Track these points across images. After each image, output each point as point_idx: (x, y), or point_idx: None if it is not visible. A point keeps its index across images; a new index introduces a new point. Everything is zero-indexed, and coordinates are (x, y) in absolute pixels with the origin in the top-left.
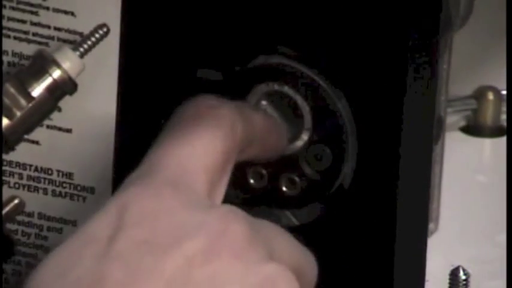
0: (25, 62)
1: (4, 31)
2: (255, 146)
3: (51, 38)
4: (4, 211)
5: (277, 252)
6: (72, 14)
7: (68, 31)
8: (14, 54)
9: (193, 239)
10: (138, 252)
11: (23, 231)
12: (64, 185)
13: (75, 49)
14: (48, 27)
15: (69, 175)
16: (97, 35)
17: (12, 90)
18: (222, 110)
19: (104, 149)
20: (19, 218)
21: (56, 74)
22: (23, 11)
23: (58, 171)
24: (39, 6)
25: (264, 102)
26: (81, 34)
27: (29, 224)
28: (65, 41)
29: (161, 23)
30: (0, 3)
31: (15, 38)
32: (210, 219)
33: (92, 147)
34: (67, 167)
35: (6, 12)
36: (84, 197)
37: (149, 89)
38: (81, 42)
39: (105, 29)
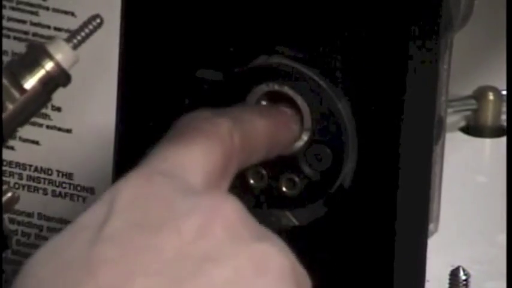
0: None
1: (4, 31)
2: (260, 150)
3: (51, 38)
4: None
5: (269, 235)
6: (72, 14)
7: (68, 31)
8: (14, 54)
9: (186, 219)
10: (130, 233)
11: (22, 231)
12: (64, 185)
13: (68, 41)
14: (48, 27)
15: (69, 175)
16: (90, 27)
17: (4, 82)
18: (218, 119)
19: (104, 149)
20: (19, 218)
21: (49, 65)
22: (23, 11)
23: (58, 171)
24: (39, 6)
25: (264, 102)
26: None
27: (29, 224)
28: None
29: (161, 23)
30: (0, 3)
31: (15, 38)
32: (202, 200)
33: (92, 147)
34: (67, 167)
35: (6, 12)
36: (84, 197)
37: (149, 89)
38: (74, 34)
39: (98, 20)
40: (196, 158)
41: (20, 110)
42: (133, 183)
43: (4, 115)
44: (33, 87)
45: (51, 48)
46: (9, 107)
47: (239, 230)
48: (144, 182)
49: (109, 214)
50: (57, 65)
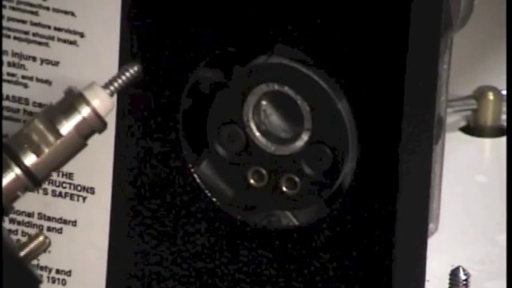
0: (25, 62)
1: (4, 31)
2: None
3: (51, 38)
4: (28, 248)
5: None
6: (72, 14)
7: (68, 31)
8: (14, 54)
9: None
10: None
11: (23, 231)
12: (64, 185)
13: (105, 87)
14: (48, 27)
15: (69, 175)
16: (127, 74)
17: (40, 126)
18: None
19: (104, 149)
20: (19, 218)
21: (85, 111)
22: (23, 11)
23: (58, 171)
24: (39, 6)
25: (264, 102)
26: (81, 34)
27: (29, 224)
28: (65, 41)
29: (161, 23)
30: (0, 3)
31: (15, 38)
32: None
33: (92, 147)
34: (67, 167)
35: (6, 12)
36: (84, 197)
37: (149, 89)
38: (111, 81)
39: (135, 68)
40: None
41: (55, 154)
42: None
43: (39, 158)
44: (69, 133)
45: (88, 94)
46: (45, 150)
47: None
48: None
49: None
50: (94, 111)
